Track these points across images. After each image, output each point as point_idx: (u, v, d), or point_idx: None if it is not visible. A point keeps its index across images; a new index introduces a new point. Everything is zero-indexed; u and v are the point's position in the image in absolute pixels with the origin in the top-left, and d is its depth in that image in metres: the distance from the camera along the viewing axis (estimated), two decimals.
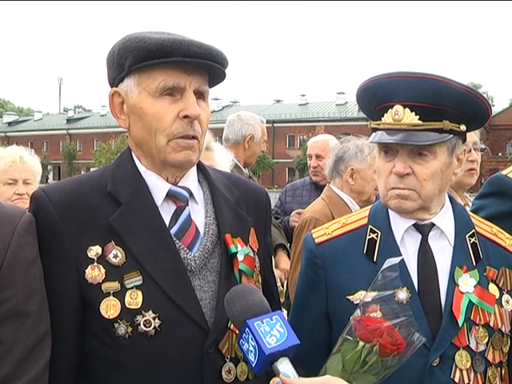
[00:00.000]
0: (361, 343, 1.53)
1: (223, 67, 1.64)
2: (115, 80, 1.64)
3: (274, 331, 1.36)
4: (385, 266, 1.64)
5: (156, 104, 1.57)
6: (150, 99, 1.58)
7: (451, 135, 1.77)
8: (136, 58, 1.56)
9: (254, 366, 1.36)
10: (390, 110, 1.77)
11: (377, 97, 1.81)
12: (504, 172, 2.38)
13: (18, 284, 1.44)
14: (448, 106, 1.75)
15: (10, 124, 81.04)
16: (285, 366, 1.34)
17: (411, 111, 1.74)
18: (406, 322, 1.55)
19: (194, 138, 1.60)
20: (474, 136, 3.14)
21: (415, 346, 1.55)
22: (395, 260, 1.65)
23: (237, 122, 4.31)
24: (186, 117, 1.57)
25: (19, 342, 1.42)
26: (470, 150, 3.14)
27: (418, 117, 1.74)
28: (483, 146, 3.33)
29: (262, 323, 1.36)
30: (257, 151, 4.44)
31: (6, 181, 3.31)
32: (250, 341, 1.35)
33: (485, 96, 1.84)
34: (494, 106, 75.29)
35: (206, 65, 1.58)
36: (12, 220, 1.49)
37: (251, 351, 1.36)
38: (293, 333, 1.37)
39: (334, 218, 3.36)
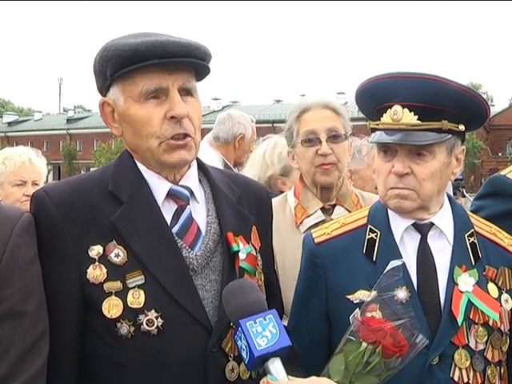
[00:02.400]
0: (364, 344, 1.53)
1: (204, 61, 1.62)
2: (102, 89, 1.65)
3: (266, 332, 1.36)
4: (388, 267, 1.65)
5: (142, 109, 1.57)
6: (135, 105, 1.58)
7: (450, 135, 1.78)
8: (114, 67, 1.56)
9: (246, 363, 1.38)
10: (389, 110, 1.78)
11: (376, 97, 1.82)
12: (503, 172, 2.39)
13: (16, 284, 1.44)
14: (447, 105, 1.76)
15: (10, 124, 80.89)
16: (276, 366, 1.35)
17: (410, 111, 1.75)
18: (408, 323, 1.55)
19: (186, 136, 1.60)
20: (333, 120, 2.48)
21: (418, 348, 1.56)
22: (398, 262, 1.66)
23: (228, 120, 4.29)
24: (172, 117, 1.57)
25: (16, 342, 1.42)
26: (321, 142, 2.46)
27: (416, 117, 1.75)
28: (345, 133, 2.51)
29: (255, 323, 1.37)
30: (247, 151, 4.43)
31: (15, 182, 3.31)
32: (243, 340, 1.37)
33: (483, 96, 1.85)
34: (493, 106, 75.20)
35: (184, 62, 1.57)
36: (11, 220, 1.49)
37: (244, 349, 1.37)
38: (285, 334, 1.37)
39: None
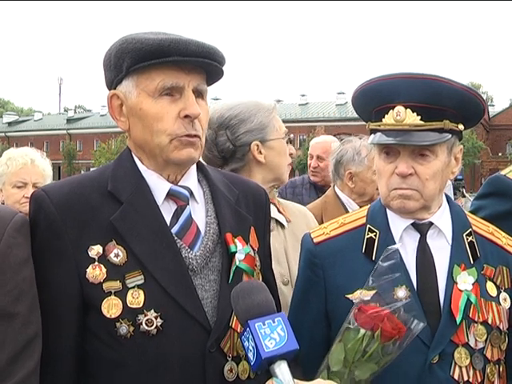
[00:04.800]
0: (362, 331, 1.55)
1: (221, 65, 1.64)
2: (113, 82, 1.64)
3: (274, 334, 1.35)
4: (385, 253, 1.66)
5: (156, 104, 1.57)
6: (149, 100, 1.58)
7: (450, 135, 1.79)
8: (134, 60, 1.56)
9: (252, 364, 1.37)
10: (391, 110, 1.78)
11: (377, 98, 1.82)
12: (503, 172, 2.40)
13: (7, 285, 1.44)
14: (449, 105, 1.77)
15: (10, 124, 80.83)
16: (282, 369, 1.34)
17: (413, 112, 1.76)
18: (405, 305, 1.56)
19: (195, 136, 1.61)
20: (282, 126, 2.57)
21: (415, 331, 1.57)
22: (395, 246, 1.67)
23: None
24: (186, 116, 1.58)
25: (7, 344, 1.41)
26: (290, 142, 2.58)
27: (419, 117, 1.76)
28: (291, 136, 2.65)
29: (264, 325, 1.35)
30: None
31: (15, 183, 3.28)
32: (250, 341, 1.36)
33: (483, 96, 1.86)
34: (493, 106, 75.31)
35: (204, 63, 1.58)
36: (3, 221, 1.49)
37: (251, 350, 1.36)
38: (293, 337, 1.36)
39: (322, 217, 3.38)
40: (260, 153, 2.47)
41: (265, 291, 1.44)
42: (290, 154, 2.55)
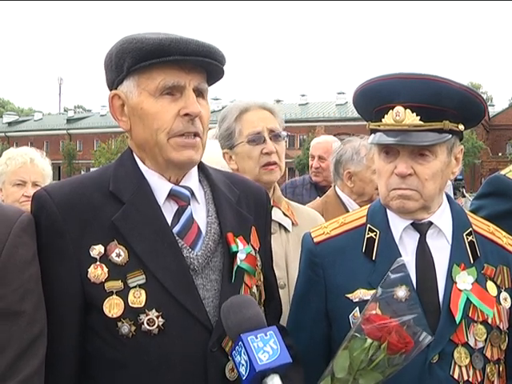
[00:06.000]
0: (369, 340, 1.55)
1: (221, 64, 1.65)
2: (114, 82, 1.65)
3: (267, 347, 1.35)
4: (394, 265, 1.67)
5: (157, 104, 1.58)
6: (150, 99, 1.59)
7: (450, 135, 1.79)
8: (134, 59, 1.57)
9: (244, 379, 1.37)
10: (391, 111, 1.79)
11: (377, 98, 1.83)
12: (503, 172, 2.40)
13: (12, 284, 1.44)
14: (448, 106, 1.77)
15: (10, 124, 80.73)
16: (275, 382, 1.34)
17: (412, 112, 1.77)
18: (412, 320, 1.56)
19: (195, 135, 1.62)
20: (272, 121, 2.48)
21: (422, 345, 1.57)
22: (403, 260, 1.68)
23: None
24: (186, 115, 1.59)
25: (12, 342, 1.42)
26: (265, 140, 2.44)
27: (419, 117, 1.76)
28: (285, 133, 2.53)
29: (256, 338, 1.36)
30: None
31: (15, 182, 3.29)
32: (243, 355, 1.36)
33: (483, 96, 1.87)
34: (493, 106, 75.27)
35: (204, 62, 1.59)
36: (9, 220, 1.49)
37: (243, 365, 1.36)
38: (285, 350, 1.37)
39: (323, 217, 3.39)
40: (230, 159, 2.47)
41: (255, 305, 1.45)
42: (267, 153, 2.44)
